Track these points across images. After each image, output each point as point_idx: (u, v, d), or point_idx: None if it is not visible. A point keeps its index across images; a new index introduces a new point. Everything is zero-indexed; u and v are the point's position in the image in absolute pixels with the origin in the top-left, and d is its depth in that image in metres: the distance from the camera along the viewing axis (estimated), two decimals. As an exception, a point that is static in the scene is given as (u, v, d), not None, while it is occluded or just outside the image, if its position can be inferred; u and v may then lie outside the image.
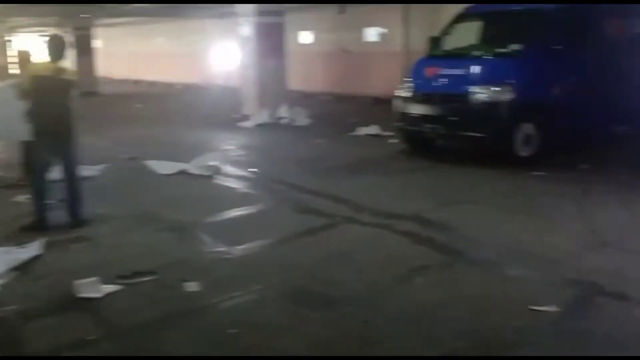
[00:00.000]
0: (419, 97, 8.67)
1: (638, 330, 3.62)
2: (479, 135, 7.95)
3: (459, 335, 3.62)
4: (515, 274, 4.51)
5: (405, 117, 8.92)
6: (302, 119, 12.48)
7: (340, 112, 14.56)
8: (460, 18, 9.37)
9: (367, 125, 11.05)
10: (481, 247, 5.08)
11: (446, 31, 9.35)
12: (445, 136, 8.57)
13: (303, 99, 15.50)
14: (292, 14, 14.78)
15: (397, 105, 9.11)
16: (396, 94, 9.18)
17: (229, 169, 8.30)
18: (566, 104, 8.11)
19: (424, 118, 8.56)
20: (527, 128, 7.93)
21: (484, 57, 8.35)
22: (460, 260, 4.83)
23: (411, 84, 8.87)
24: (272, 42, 12.87)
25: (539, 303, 3.92)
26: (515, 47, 8.20)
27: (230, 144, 10.31)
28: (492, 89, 7.84)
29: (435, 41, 9.32)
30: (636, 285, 4.18)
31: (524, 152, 7.98)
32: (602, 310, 3.90)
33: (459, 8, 9.64)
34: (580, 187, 6.82)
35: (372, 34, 17.28)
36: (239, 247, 5.14)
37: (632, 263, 4.64)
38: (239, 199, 6.78)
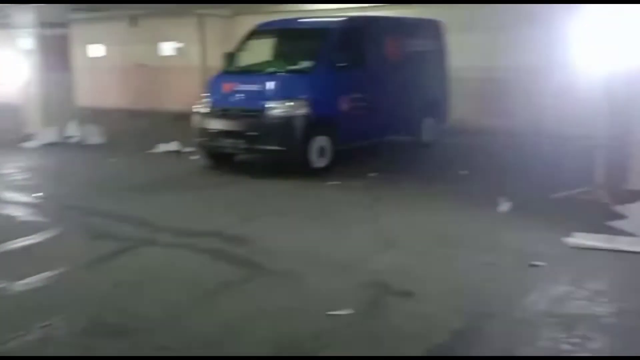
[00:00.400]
0: (217, 112, 8.67)
1: (422, 325, 3.94)
2: (277, 148, 8.16)
3: (262, 348, 3.64)
4: (314, 281, 4.67)
5: (205, 132, 8.84)
6: (95, 137, 11.74)
7: (137, 128, 13.97)
8: (252, 34, 9.58)
9: (166, 142, 10.73)
10: (282, 258, 5.18)
11: (240, 47, 9.48)
12: (245, 151, 8.65)
13: (96, 115, 14.55)
14: (79, 26, 13.90)
15: (197, 120, 9.00)
16: (195, 110, 9.07)
17: (9, 195, 7.50)
18: (354, 117, 8.71)
19: (223, 133, 8.56)
20: (321, 140, 8.33)
21: (278, 73, 8.61)
22: (262, 273, 4.88)
23: (209, 100, 8.84)
24: (57, 56, 11.93)
25: (335, 308, 4.09)
26: (306, 63, 8.58)
27: (11, 167, 9.32)
28: (287, 104, 8.10)
29: (230, 57, 9.40)
30: (419, 283, 4.57)
31: (319, 163, 8.36)
32: (391, 309, 4.19)
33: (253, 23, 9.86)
34: (369, 194, 7.32)
35: (168, 48, 16.91)
36: (21, 282, 4.63)
37: (416, 262, 5.07)
38: (21, 228, 6.12)
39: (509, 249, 5.29)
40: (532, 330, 3.84)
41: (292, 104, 8.10)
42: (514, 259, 5.02)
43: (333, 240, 5.64)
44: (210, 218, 6.41)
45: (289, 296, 4.41)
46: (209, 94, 8.92)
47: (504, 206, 6.45)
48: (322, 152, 8.37)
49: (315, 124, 8.23)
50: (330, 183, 7.87)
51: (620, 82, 6.36)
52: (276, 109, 8.12)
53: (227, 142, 8.54)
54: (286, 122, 8.10)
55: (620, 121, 6.48)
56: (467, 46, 11.37)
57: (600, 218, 5.95)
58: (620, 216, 6.01)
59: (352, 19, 9.42)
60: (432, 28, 10.52)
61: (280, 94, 8.22)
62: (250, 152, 8.72)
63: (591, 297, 4.27)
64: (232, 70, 9.21)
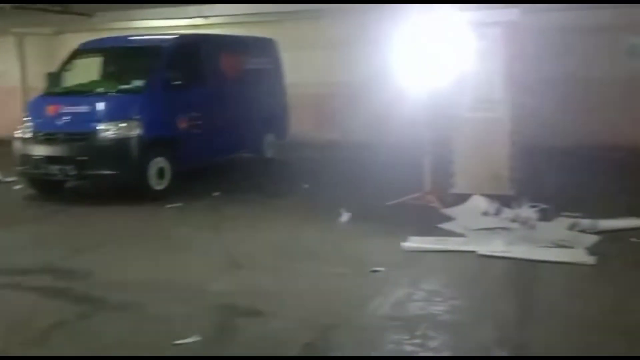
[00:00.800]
0: (40, 137, 8.03)
1: (272, 343, 3.90)
2: (111, 172, 7.72)
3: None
4: (158, 311, 4.45)
5: (27, 159, 8.12)
6: None
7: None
8: (77, 54, 9.05)
9: (-16, 172, 9.72)
10: (121, 289, 4.87)
11: (65, 67, 8.90)
12: (76, 177, 8.07)
13: None
14: None
15: (18, 147, 8.25)
16: (16, 135, 8.31)
17: None
18: (193, 136, 8.51)
19: (49, 159, 7.92)
20: (159, 162, 8.02)
21: (108, 93, 8.17)
22: (101, 307, 4.55)
23: (31, 124, 8.15)
24: None
25: (182, 336, 3.92)
26: (138, 82, 8.24)
27: None
28: (119, 125, 7.71)
29: (53, 77, 8.79)
30: (268, 300, 4.54)
31: (159, 185, 8.03)
32: (240, 330, 4.10)
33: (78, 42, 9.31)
34: (213, 213, 7.19)
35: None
36: None
37: (263, 279, 5.04)
38: None
39: (352, 257, 5.47)
40: (377, 335, 3.98)
41: (124, 125, 7.72)
42: (356, 267, 5.18)
43: (176, 266, 5.43)
44: (38, 252, 5.87)
45: (131, 329, 4.16)
46: (30, 118, 8.23)
47: (345, 217, 6.66)
48: (161, 173, 8.05)
49: (151, 145, 7.91)
50: (171, 205, 7.60)
51: (442, 93, 6.89)
52: (108, 131, 7.69)
53: (54, 169, 7.89)
54: (119, 144, 7.69)
55: (443, 130, 7.03)
56: (302, 63, 11.67)
57: (431, 221, 6.37)
58: (449, 218, 6.49)
59: (184, 37, 9.25)
60: (266, 46, 10.66)
61: (112, 115, 7.80)
62: (82, 178, 8.17)
63: (428, 298, 4.53)
64: (57, 91, 8.59)
